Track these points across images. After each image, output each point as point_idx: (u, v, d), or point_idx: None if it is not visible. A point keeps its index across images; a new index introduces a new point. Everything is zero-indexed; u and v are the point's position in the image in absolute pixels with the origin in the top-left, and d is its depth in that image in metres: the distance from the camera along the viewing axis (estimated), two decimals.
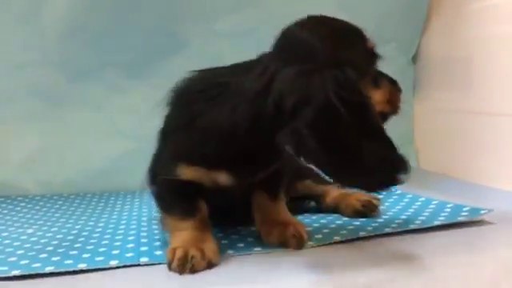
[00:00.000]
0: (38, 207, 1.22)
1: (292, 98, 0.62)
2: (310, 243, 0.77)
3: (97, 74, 1.40)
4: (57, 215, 1.12)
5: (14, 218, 1.10)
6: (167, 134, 0.79)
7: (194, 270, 0.67)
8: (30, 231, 0.96)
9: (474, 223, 0.85)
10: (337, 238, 0.80)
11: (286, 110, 0.62)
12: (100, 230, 0.94)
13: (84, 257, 0.76)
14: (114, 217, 1.07)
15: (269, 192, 0.82)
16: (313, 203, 1.05)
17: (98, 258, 0.75)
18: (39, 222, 1.05)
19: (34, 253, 0.80)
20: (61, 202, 1.27)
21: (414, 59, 1.58)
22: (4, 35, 1.34)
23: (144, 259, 0.73)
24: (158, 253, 0.77)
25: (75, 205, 1.23)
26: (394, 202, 1.04)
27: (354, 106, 0.61)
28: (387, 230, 0.83)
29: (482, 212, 0.87)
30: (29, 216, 1.12)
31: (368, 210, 0.94)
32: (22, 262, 0.74)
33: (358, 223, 0.90)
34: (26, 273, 0.69)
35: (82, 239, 0.87)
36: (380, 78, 0.74)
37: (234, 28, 1.43)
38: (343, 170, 0.62)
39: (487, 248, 0.75)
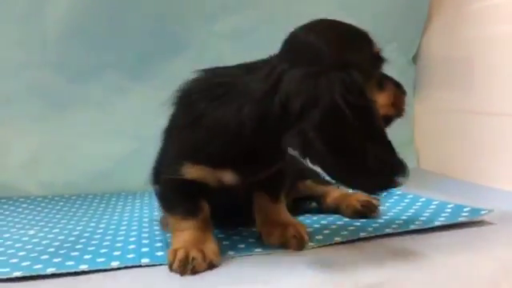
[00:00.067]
0: (39, 208, 1.22)
1: (299, 100, 0.63)
2: (311, 244, 0.78)
3: (97, 75, 1.40)
4: (58, 216, 1.12)
5: (16, 220, 1.10)
6: (172, 133, 0.79)
7: (194, 271, 0.68)
8: (31, 232, 0.96)
9: (475, 223, 0.85)
10: (337, 239, 0.80)
11: (292, 112, 0.63)
12: (101, 231, 0.95)
13: (85, 258, 0.76)
14: (115, 218, 1.07)
15: (270, 193, 0.83)
16: (314, 204, 1.05)
17: (99, 259, 0.75)
18: (41, 224, 1.05)
19: (35, 254, 0.80)
20: (62, 203, 1.27)
21: (415, 59, 1.58)
22: (4, 36, 1.34)
23: (145, 260, 0.74)
24: (160, 254, 0.77)
25: (76, 206, 1.24)
26: (394, 203, 1.05)
27: (359, 109, 0.62)
28: (388, 230, 0.83)
29: (483, 212, 0.88)
30: (30, 217, 1.12)
31: (368, 211, 0.94)
32: (24, 264, 0.75)
33: (358, 224, 0.90)
34: (28, 274, 0.70)
35: (83, 240, 0.87)
36: (385, 81, 0.74)
37: (234, 29, 1.43)
38: (347, 171, 0.63)
39: (487, 248, 0.75)
